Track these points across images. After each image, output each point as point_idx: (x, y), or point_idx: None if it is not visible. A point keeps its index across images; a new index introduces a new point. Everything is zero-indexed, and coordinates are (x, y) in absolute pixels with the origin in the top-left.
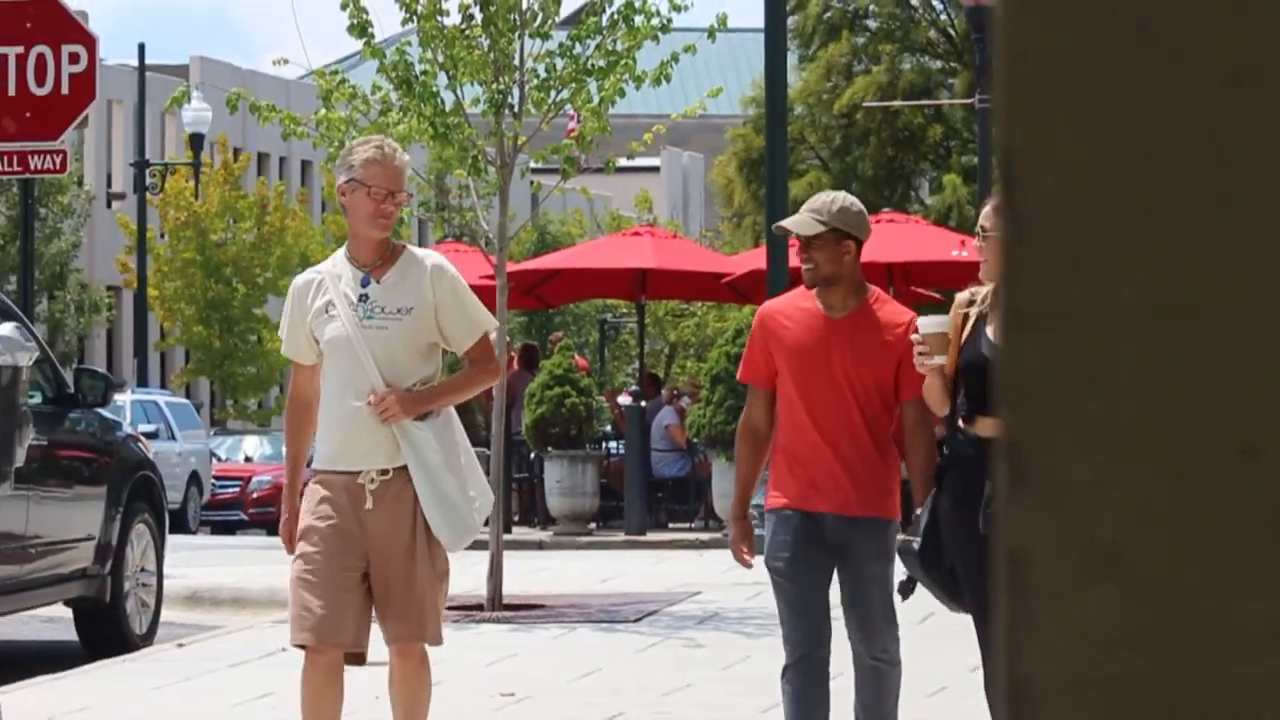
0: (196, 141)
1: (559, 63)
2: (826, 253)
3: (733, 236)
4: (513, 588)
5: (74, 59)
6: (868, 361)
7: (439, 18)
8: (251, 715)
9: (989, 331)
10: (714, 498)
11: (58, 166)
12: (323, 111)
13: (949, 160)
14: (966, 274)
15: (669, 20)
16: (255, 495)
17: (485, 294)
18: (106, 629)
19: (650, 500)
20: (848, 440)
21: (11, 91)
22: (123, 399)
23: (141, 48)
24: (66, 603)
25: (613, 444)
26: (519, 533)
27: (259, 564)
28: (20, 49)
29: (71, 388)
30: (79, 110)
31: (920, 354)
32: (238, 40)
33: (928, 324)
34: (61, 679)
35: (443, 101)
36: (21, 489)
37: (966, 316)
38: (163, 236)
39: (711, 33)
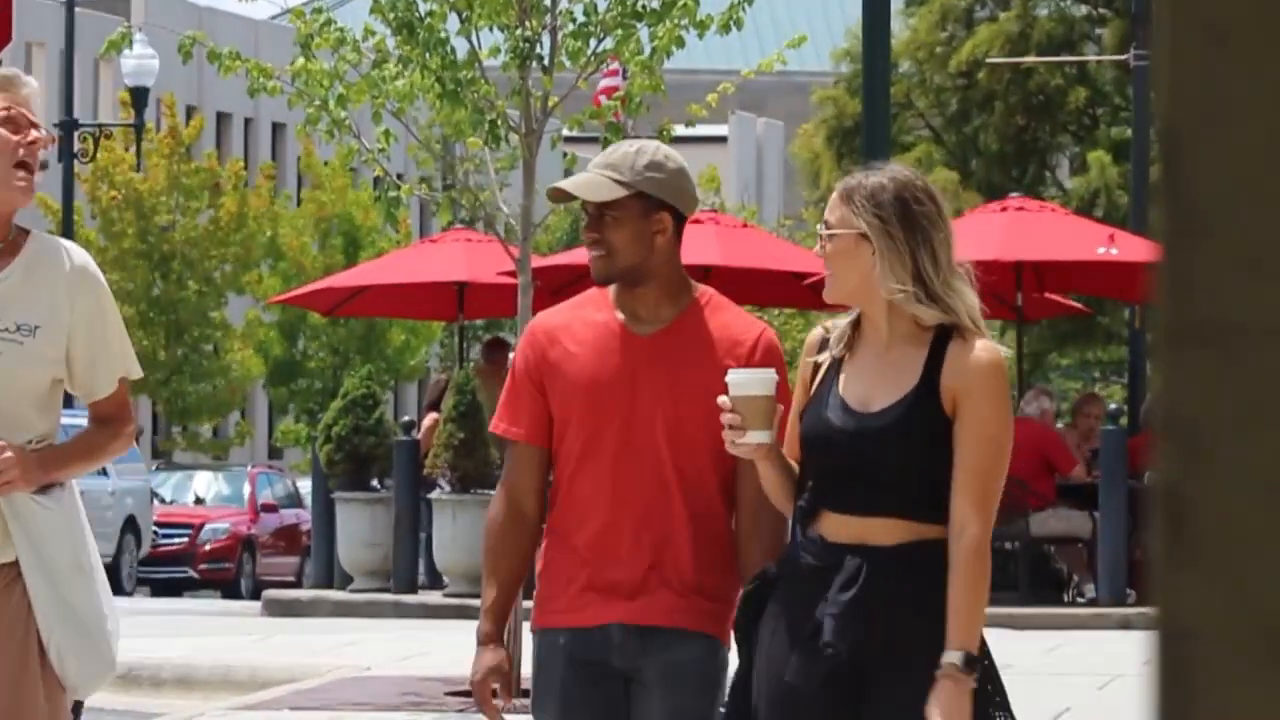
0: (139, 98)
1: (601, 3)
2: (628, 231)
3: (818, 226)
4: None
5: None
6: (692, 402)
7: None
8: None
9: (840, 385)
10: None
11: None
12: (301, 61)
13: (1094, 132)
14: (1117, 277)
15: None
16: (208, 547)
17: (506, 294)
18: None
19: None
20: (658, 520)
21: None
22: None
23: None
24: None
25: None
26: None
27: (212, 634)
28: None
29: None
30: None
31: (730, 428)
32: None
33: (741, 381)
34: None
35: (453, 50)
36: None
37: (815, 368)
38: (94, 219)
39: None
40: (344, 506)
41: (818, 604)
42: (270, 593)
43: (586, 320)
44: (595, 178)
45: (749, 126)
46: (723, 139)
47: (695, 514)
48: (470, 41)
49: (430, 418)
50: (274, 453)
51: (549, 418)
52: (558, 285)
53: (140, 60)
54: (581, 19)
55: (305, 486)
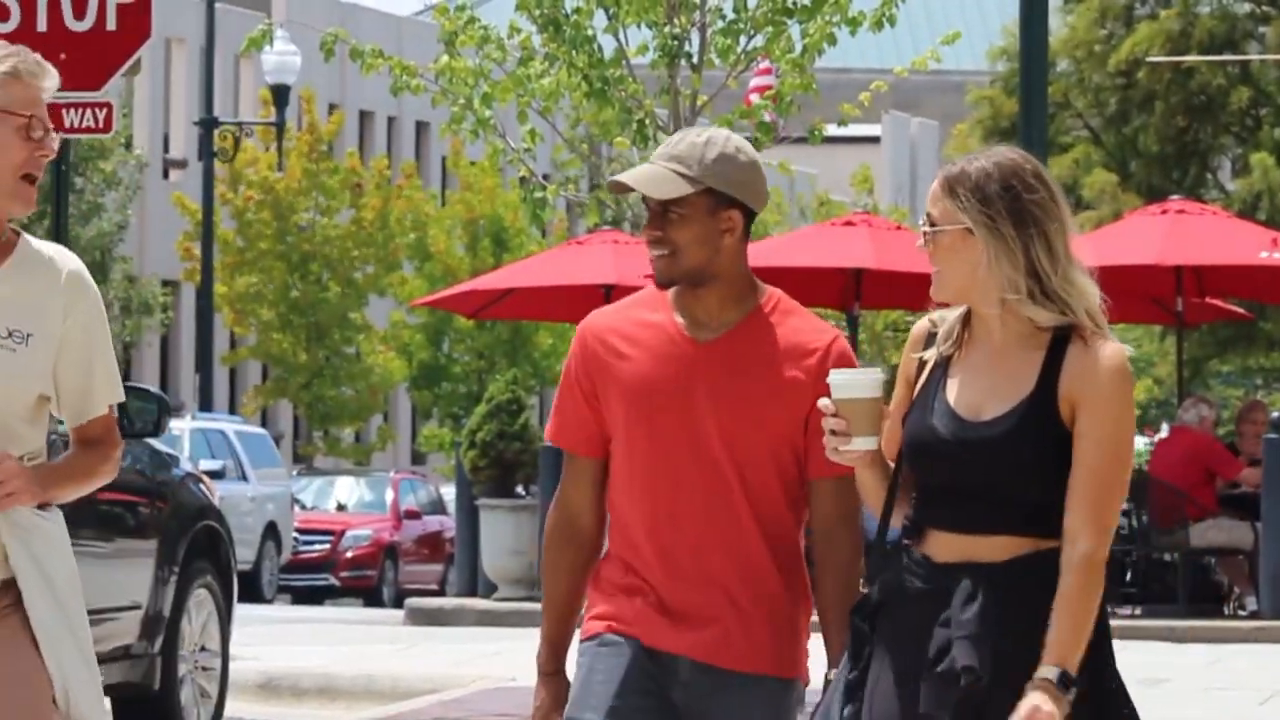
0: (280, 95)
1: (751, 0)
2: (694, 229)
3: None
4: None
5: None
6: (757, 412)
7: None
8: None
9: (948, 389)
10: None
11: (100, 124)
12: (445, 59)
13: (1257, 134)
14: None
15: None
16: (349, 555)
17: None
18: None
19: None
20: (723, 541)
21: (41, 26)
22: (181, 427)
23: None
24: (104, 690)
25: None
26: None
27: (354, 643)
28: None
29: None
30: (129, 52)
31: (833, 433)
32: None
33: (846, 381)
34: None
35: (600, 48)
36: None
37: (920, 364)
38: (231, 220)
39: None
40: (488, 513)
41: (932, 629)
42: (413, 601)
43: (641, 321)
44: (660, 171)
45: (903, 126)
46: (876, 139)
47: (767, 535)
48: (618, 39)
49: None
50: (417, 458)
51: (601, 427)
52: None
53: (282, 57)
54: (731, 16)
55: (449, 493)
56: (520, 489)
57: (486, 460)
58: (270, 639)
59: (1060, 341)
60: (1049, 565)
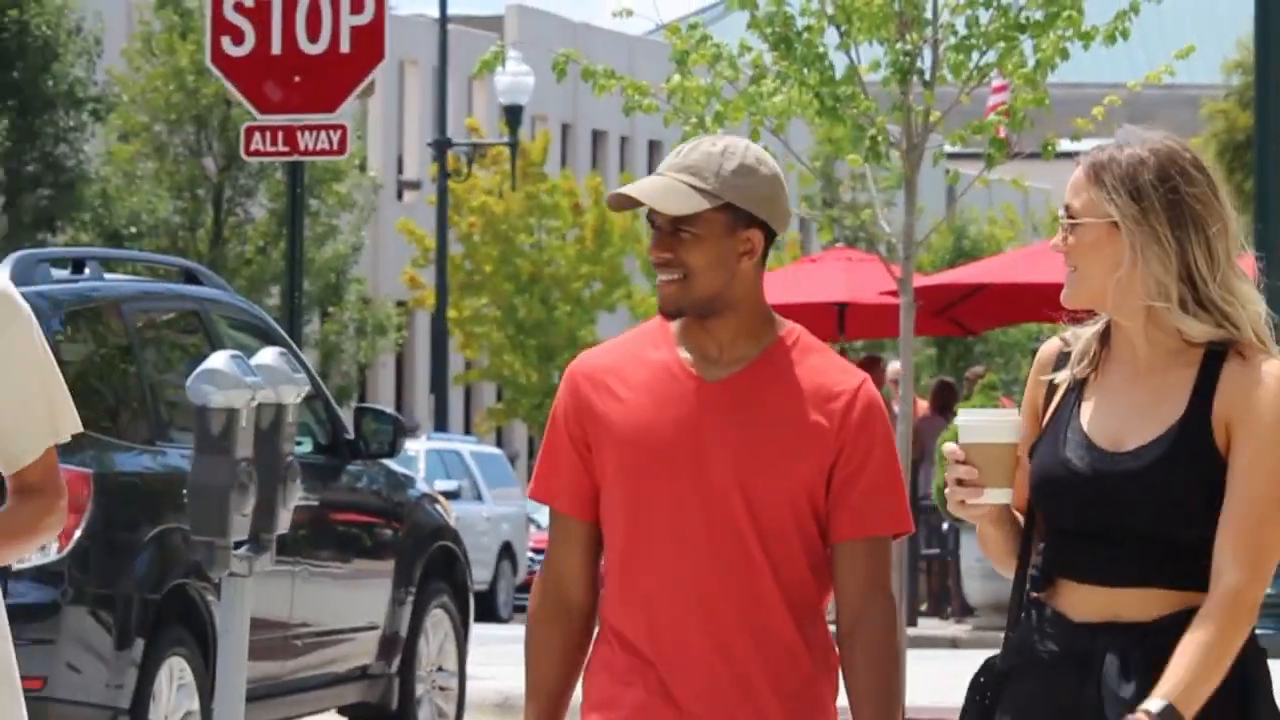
0: (513, 116)
1: (983, 15)
2: (709, 251)
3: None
4: (918, 698)
5: (357, 7)
6: (778, 463)
7: None
8: None
9: (1083, 416)
10: None
11: (335, 146)
12: (677, 78)
13: None
14: None
15: None
16: None
17: (887, 314)
18: None
19: None
20: (740, 616)
21: (276, 49)
22: (416, 447)
23: None
24: (341, 710)
25: None
26: (926, 626)
27: None
28: None
29: (350, 432)
30: (363, 74)
31: (961, 484)
32: None
33: (978, 423)
34: None
35: (832, 66)
36: (286, 562)
37: (1050, 389)
38: (459, 244)
39: None
40: None
41: (1075, 702)
42: None
43: (641, 359)
44: (671, 183)
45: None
46: None
47: (792, 608)
48: (849, 56)
49: None
50: None
51: (595, 482)
52: (940, 305)
53: (515, 78)
54: (963, 32)
55: None
56: None
57: None
58: (507, 659)
59: (1215, 359)
60: None
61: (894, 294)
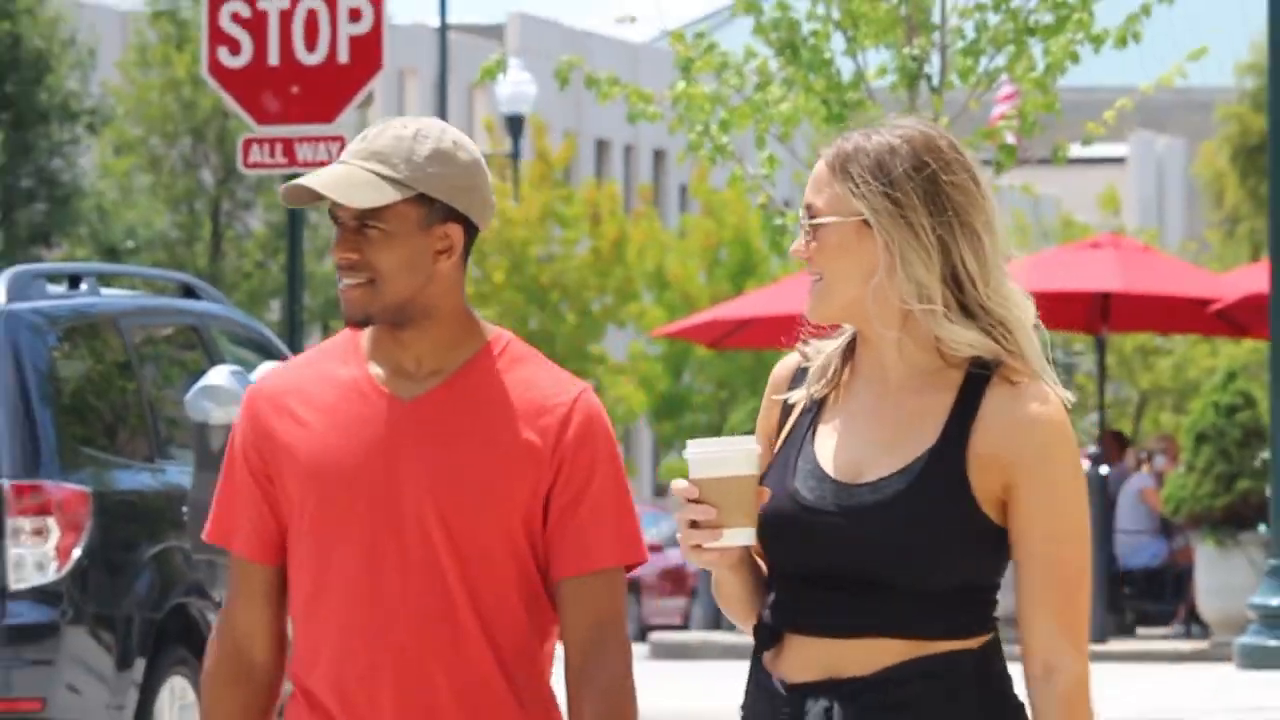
0: (515, 125)
1: (992, 18)
2: (401, 250)
3: (1223, 249)
4: None
5: (355, 16)
6: (484, 489)
7: None
8: None
9: (817, 442)
10: (1198, 594)
11: (334, 158)
12: (681, 85)
13: None
14: None
15: None
16: None
17: None
18: None
19: (1114, 597)
20: (439, 665)
21: (273, 60)
22: None
23: (443, 3)
24: None
25: None
26: None
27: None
28: (285, 4)
29: None
30: (361, 84)
31: (695, 526)
32: None
33: (711, 457)
34: None
35: (839, 71)
36: None
37: (785, 411)
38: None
39: None
40: None
41: None
42: (657, 635)
43: (327, 378)
44: (356, 172)
45: (1149, 145)
46: (1121, 159)
47: (501, 657)
48: (856, 61)
49: None
50: (659, 490)
51: (279, 521)
52: None
53: (516, 87)
54: (972, 36)
55: None
56: None
57: None
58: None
59: (977, 383)
60: (936, 674)
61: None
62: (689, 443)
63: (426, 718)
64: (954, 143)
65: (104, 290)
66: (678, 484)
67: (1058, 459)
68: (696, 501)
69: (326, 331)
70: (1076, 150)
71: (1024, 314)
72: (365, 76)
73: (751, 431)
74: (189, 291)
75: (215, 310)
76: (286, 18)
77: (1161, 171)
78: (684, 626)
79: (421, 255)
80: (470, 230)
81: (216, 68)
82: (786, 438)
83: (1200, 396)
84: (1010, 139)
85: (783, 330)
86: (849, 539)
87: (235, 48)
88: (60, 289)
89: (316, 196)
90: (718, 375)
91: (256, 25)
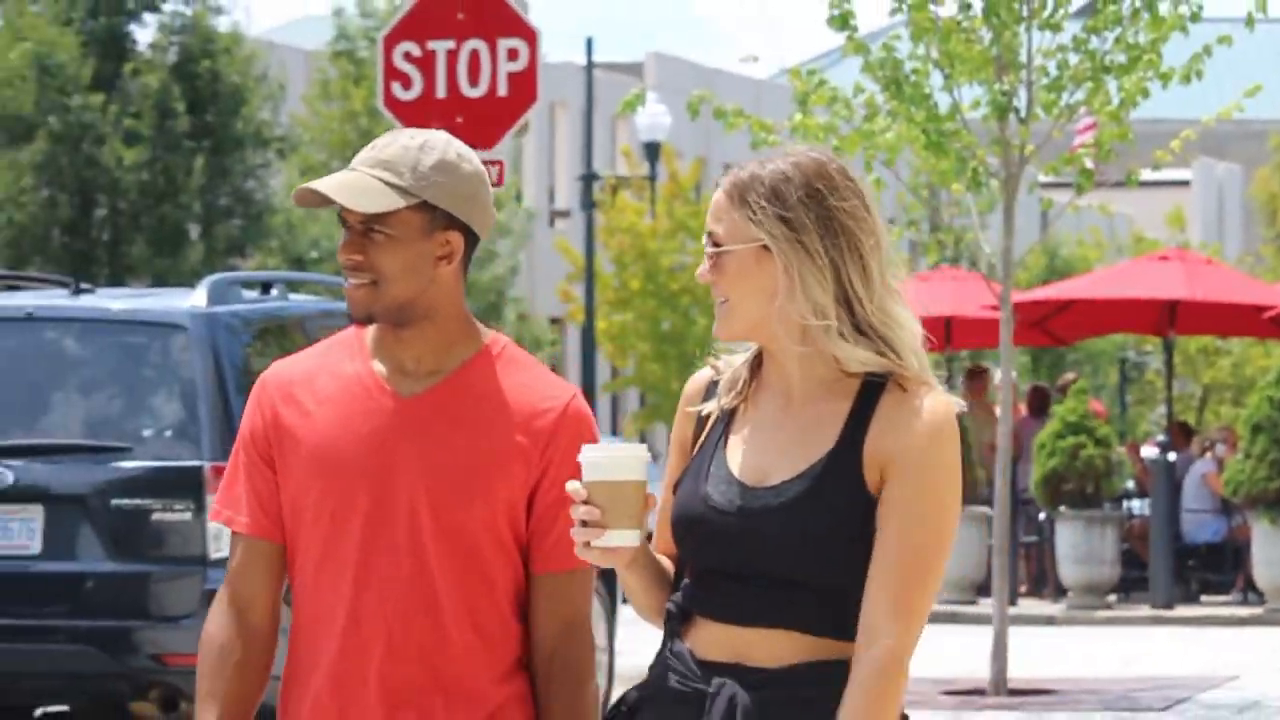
0: (651, 151)
1: (1072, 58)
2: (404, 254)
3: (1276, 261)
4: (1019, 669)
5: (512, 55)
6: (474, 484)
7: (932, 7)
8: None
9: (728, 449)
10: (1254, 566)
11: (494, 180)
12: (798, 117)
13: None
14: None
15: (1199, 8)
16: None
17: (988, 327)
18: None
19: (1180, 569)
20: (422, 654)
21: (440, 93)
22: None
23: (589, 43)
24: None
25: (1135, 503)
26: (1025, 605)
27: None
28: (451, 44)
29: None
30: (518, 115)
31: (584, 523)
32: (700, 35)
33: (601, 460)
34: None
35: (937, 104)
36: None
37: (700, 422)
38: (610, 264)
39: (1250, 21)
40: None
41: None
42: None
43: (334, 371)
44: (363, 179)
45: (1210, 170)
46: (1186, 182)
47: (487, 645)
48: (952, 96)
49: None
50: None
51: (279, 502)
52: (1035, 318)
53: (653, 118)
54: (1054, 74)
55: None
56: None
57: None
58: (652, 638)
59: (873, 389)
60: (835, 679)
61: (994, 308)
62: (583, 447)
63: (407, 697)
64: (844, 168)
65: (291, 296)
66: (571, 485)
67: (933, 456)
68: (586, 503)
69: None
70: (1147, 174)
71: (909, 334)
72: (521, 108)
73: None
74: None
75: None
76: (452, 56)
77: (1222, 194)
78: None
79: (423, 260)
80: (470, 238)
81: (390, 100)
82: (701, 446)
83: (1256, 391)
84: (1089, 164)
85: None
86: (754, 538)
87: (407, 83)
88: (254, 294)
89: (325, 200)
90: None
91: (426, 63)
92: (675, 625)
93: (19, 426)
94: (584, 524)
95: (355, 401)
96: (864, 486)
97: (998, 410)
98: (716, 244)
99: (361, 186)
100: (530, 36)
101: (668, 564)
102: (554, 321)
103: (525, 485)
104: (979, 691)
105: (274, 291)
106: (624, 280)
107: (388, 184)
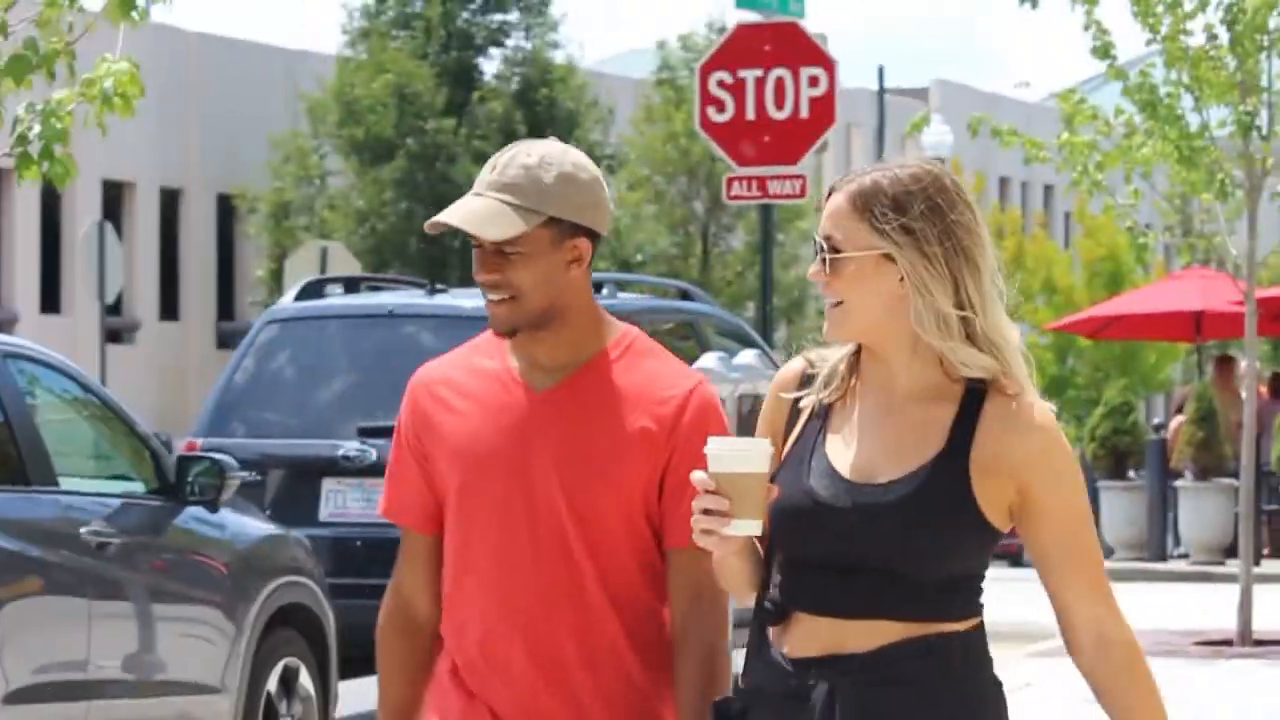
0: None
1: None
2: (539, 269)
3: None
4: (1263, 623)
5: (813, 82)
6: (604, 469)
7: (1183, 38)
8: None
9: (829, 445)
10: None
11: (798, 192)
12: (1065, 135)
13: None
14: None
15: None
16: None
17: (1234, 320)
18: None
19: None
20: (566, 628)
21: (750, 115)
22: None
23: (881, 71)
24: None
25: None
26: (1268, 566)
27: (999, 598)
28: (759, 72)
29: None
30: (818, 134)
31: (706, 512)
32: (980, 63)
33: (728, 452)
34: None
35: (1188, 124)
36: None
37: (794, 412)
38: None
39: None
40: (1106, 492)
41: None
42: None
43: (474, 370)
44: (492, 205)
45: None
46: None
47: (624, 618)
48: (1201, 116)
49: (1176, 421)
50: None
51: (436, 495)
52: (1276, 312)
53: (938, 136)
54: None
55: None
56: (1131, 473)
57: (1104, 450)
58: None
59: (975, 396)
60: (927, 652)
61: (1240, 304)
62: (709, 439)
63: (553, 676)
64: (958, 182)
65: (620, 294)
66: (696, 476)
67: (1058, 459)
68: (713, 493)
69: (790, 325)
70: None
71: (1014, 340)
72: (821, 129)
73: (1123, 402)
74: (685, 295)
75: (705, 309)
76: (760, 83)
77: None
78: None
79: (556, 269)
80: (595, 239)
81: (706, 122)
82: (798, 439)
83: None
84: None
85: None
86: (860, 533)
87: (721, 107)
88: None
89: (455, 230)
90: (1094, 360)
91: (737, 89)
92: (771, 620)
93: (383, 410)
94: (707, 512)
95: (493, 397)
96: (970, 490)
97: (1243, 393)
98: (835, 249)
99: (490, 213)
100: (829, 66)
101: (759, 546)
102: None
103: (654, 469)
104: (1227, 642)
105: (604, 290)
106: None
107: (515, 207)
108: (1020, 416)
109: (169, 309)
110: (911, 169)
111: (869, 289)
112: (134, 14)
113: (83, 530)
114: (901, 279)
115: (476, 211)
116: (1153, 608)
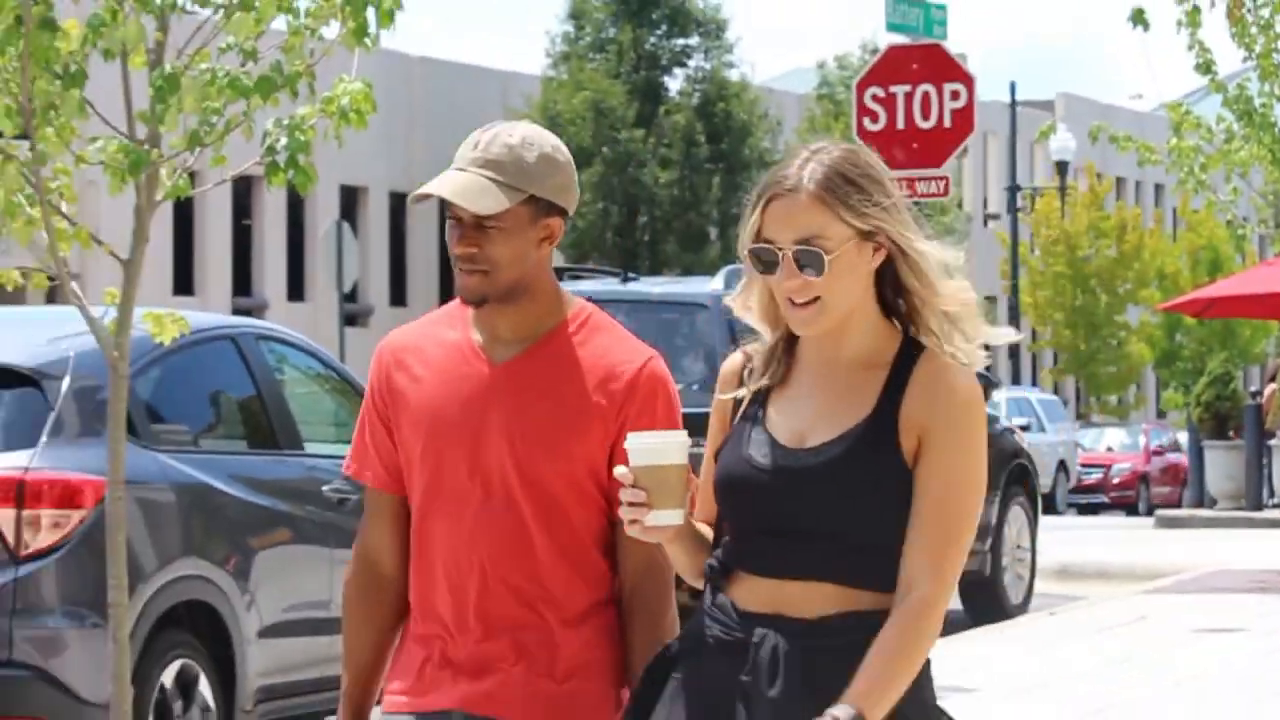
0: (1061, 168)
1: None
2: (515, 244)
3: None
4: None
5: (955, 96)
6: (554, 439)
7: (1275, 56)
8: (1113, 677)
9: (768, 418)
10: None
11: (941, 191)
12: (1173, 140)
13: None
14: None
15: None
16: (1116, 481)
17: None
18: (987, 598)
19: None
20: (514, 590)
21: (900, 125)
22: (999, 396)
23: (1013, 85)
24: None
25: None
26: None
27: (1120, 543)
28: (908, 88)
29: None
30: (959, 141)
31: (631, 504)
32: (1101, 77)
33: (645, 448)
34: (946, 642)
35: None
36: None
37: (735, 405)
38: (1034, 251)
39: None
40: (1210, 451)
41: (727, 687)
42: (1160, 512)
43: (438, 340)
44: (478, 181)
45: None
46: None
47: (566, 578)
48: None
49: (1270, 388)
50: (1160, 414)
51: (398, 457)
52: None
53: (1062, 142)
54: None
55: (1182, 437)
56: (1231, 434)
57: (1208, 415)
58: (1062, 540)
59: (907, 359)
60: (866, 628)
61: None
62: (629, 435)
63: (503, 628)
64: (869, 153)
65: None
66: (619, 470)
67: (964, 422)
68: (634, 486)
69: None
70: None
71: (967, 305)
72: (961, 136)
73: (1224, 372)
74: None
75: None
76: (909, 97)
77: None
78: (1178, 505)
79: (529, 245)
80: (566, 218)
81: (862, 131)
82: (740, 420)
83: None
84: None
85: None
86: (794, 495)
87: (874, 117)
88: None
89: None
90: (1199, 337)
91: (889, 102)
92: (717, 580)
93: None
94: (630, 505)
95: (455, 367)
96: (898, 450)
97: None
98: (824, 249)
99: (477, 188)
100: (968, 81)
101: (707, 530)
102: (989, 298)
103: (604, 442)
104: None
105: None
106: (1049, 264)
107: (498, 184)
108: (943, 376)
109: (398, 296)
110: (839, 151)
111: (851, 277)
112: (366, 40)
113: (324, 488)
114: (876, 249)
115: (465, 186)
116: (1252, 551)
